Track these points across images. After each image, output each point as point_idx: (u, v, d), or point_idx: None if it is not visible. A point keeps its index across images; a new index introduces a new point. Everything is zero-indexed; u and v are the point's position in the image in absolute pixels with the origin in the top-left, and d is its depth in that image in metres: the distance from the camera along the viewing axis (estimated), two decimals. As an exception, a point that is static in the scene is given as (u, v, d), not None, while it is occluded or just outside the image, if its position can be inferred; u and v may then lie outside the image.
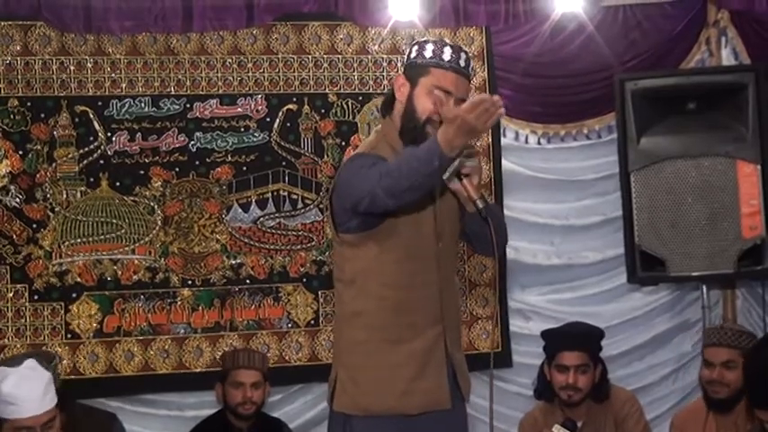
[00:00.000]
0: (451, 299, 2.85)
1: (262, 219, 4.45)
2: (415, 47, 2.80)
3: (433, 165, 2.51)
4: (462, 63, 2.74)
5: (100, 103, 4.33)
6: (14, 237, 4.22)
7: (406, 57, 2.84)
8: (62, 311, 4.24)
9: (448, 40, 2.92)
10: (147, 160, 4.36)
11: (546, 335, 3.96)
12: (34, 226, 4.24)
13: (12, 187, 4.23)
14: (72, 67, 4.32)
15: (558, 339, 3.89)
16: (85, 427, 3.44)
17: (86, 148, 4.32)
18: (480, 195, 2.66)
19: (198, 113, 4.41)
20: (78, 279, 4.26)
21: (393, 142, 2.79)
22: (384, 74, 4.51)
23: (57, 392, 3.09)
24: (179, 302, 4.35)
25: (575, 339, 3.86)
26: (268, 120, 4.47)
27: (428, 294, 2.76)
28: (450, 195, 2.79)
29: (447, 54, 2.73)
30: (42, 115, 4.27)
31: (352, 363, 2.81)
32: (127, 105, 4.35)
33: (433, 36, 4.49)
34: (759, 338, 3.67)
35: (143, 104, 4.37)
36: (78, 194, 4.29)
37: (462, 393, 2.85)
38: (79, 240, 4.28)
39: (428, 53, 2.74)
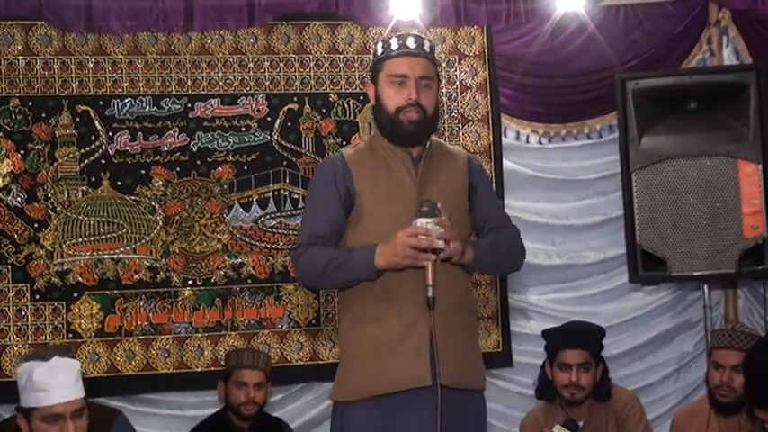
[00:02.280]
0: (447, 283, 2.72)
1: (263, 218, 4.45)
2: (372, 52, 2.89)
3: (361, 277, 2.71)
4: (412, 45, 2.79)
5: (101, 103, 4.34)
6: (16, 236, 4.22)
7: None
8: (63, 311, 4.25)
9: (400, 31, 3.00)
10: (148, 160, 4.36)
11: (547, 334, 3.95)
12: (35, 225, 4.24)
13: (13, 187, 4.23)
14: (73, 67, 4.32)
15: (560, 338, 3.87)
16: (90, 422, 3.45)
17: (87, 148, 4.32)
18: (434, 284, 2.64)
19: (199, 113, 4.42)
20: (79, 278, 4.27)
21: (378, 144, 2.86)
22: (385, 73, 4.50)
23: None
24: (180, 302, 4.36)
25: (576, 337, 3.85)
26: (269, 119, 4.48)
27: (410, 274, 2.70)
28: (447, 184, 2.81)
29: (394, 43, 2.81)
30: (44, 115, 4.28)
31: (343, 351, 2.87)
32: (128, 105, 4.36)
33: (433, 35, 4.51)
34: (759, 339, 3.65)
35: (144, 104, 4.38)
36: (79, 194, 4.30)
37: (442, 380, 2.69)
38: (80, 240, 4.28)
39: (379, 51, 2.84)
